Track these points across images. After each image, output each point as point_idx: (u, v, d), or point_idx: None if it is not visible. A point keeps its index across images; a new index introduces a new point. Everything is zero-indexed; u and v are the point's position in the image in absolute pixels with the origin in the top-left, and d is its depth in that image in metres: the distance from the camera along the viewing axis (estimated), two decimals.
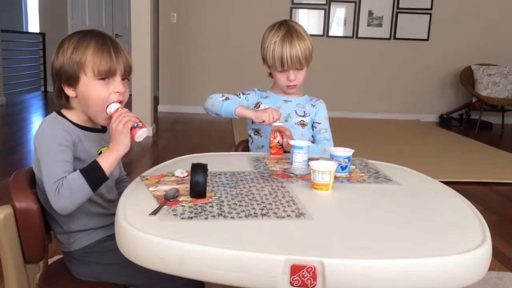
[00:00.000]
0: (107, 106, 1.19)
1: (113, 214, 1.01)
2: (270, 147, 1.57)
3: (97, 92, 1.18)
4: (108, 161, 1.13)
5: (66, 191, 1.06)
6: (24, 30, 8.61)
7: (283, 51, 1.63)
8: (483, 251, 0.88)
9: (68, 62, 1.17)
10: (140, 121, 1.18)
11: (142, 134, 1.18)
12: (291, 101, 1.77)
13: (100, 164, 1.11)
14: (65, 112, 1.23)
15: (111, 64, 1.17)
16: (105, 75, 1.18)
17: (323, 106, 1.81)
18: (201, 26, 6.52)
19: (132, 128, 1.16)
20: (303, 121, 1.76)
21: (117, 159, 1.14)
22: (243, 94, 1.78)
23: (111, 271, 1.20)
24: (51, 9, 8.16)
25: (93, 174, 1.10)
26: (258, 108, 1.75)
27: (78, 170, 1.10)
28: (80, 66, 1.17)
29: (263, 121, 1.56)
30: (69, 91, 1.20)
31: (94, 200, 1.22)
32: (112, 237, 0.99)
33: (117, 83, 1.19)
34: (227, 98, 1.68)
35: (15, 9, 8.31)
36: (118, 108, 1.18)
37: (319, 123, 1.78)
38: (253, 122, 1.72)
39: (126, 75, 1.22)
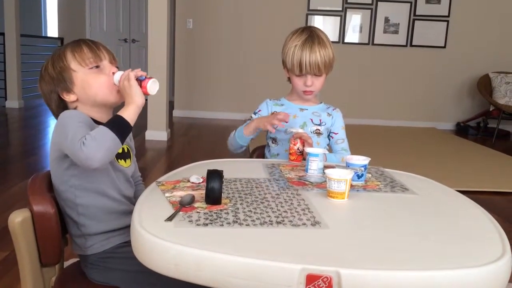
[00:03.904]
0: (114, 78, 1.23)
1: (131, 213, 1.02)
2: (290, 153, 1.56)
3: (94, 78, 1.23)
4: (128, 112, 1.16)
5: (90, 140, 1.05)
6: (43, 35, 8.74)
7: (302, 55, 1.63)
8: (503, 264, 0.86)
9: (54, 73, 1.23)
10: (146, 74, 1.22)
11: (153, 85, 1.21)
12: (307, 109, 1.77)
13: (120, 115, 1.15)
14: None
15: (92, 52, 1.23)
16: (92, 62, 1.22)
17: (339, 116, 1.80)
18: (217, 32, 6.56)
19: (141, 81, 1.19)
20: (318, 129, 1.75)
21: (136, 109, 1.17)
22: (255, 114, 1.79)
23: (127, 278, 1.20)
24: (69, 14, 8.30)
25: (115, 122, 1.13)
26: None
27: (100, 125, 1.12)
28: (66, 69, 1.22)
29: (275, 125, 1.56)
30: (70, 96, 1.25)
31: (112, 196, 1.24)
32: (129, 243, 0.99)
33: (108, 67, 1.25)
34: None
35: (34, 13, 8.45)
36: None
37: (336, 133, 1.77)
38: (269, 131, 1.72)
39: (113, 61, 1.27)
